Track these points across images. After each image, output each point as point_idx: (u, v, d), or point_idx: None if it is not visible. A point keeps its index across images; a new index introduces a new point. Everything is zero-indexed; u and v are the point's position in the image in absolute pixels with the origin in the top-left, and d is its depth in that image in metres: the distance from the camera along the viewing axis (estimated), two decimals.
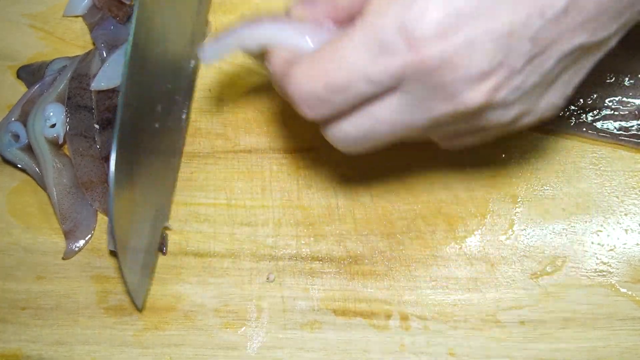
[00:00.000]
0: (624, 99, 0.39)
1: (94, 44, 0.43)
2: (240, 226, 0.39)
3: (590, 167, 0.39)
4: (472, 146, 0.31)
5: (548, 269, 0.37)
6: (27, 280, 0.38)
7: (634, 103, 0.39)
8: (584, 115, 0.39)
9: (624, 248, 0.38)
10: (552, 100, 0.28)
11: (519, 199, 0.39)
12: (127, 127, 0.31)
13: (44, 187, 0.39)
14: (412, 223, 0.38)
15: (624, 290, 0.37)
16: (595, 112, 0.39)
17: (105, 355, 0.36)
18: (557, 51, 0.25)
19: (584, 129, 0.39)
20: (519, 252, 0.38)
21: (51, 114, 0.40)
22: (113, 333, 0.36)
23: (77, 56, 0.43)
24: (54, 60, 0.42)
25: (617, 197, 0.38)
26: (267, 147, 0.40)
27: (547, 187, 0.39)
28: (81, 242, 0.39)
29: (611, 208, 0.38)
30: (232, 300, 0.37)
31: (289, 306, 0.37)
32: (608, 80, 0.39)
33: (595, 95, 0.39)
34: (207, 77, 0.43)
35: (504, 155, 0.40)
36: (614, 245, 0.38)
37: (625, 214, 0.38)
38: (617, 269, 0.37)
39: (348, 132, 0.28)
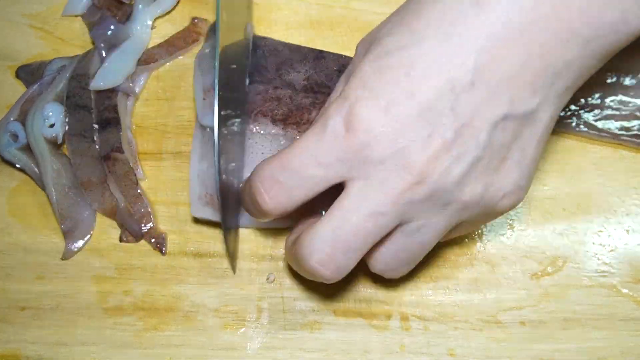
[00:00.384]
0: (625, 98, 0.38)
1: (93, 43, 0.43)
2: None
3: (592, 167, 0.39)
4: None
5: (549, 269, 0.37)
6: (27, 280, 0.38)
7: (635, 103, 0.38)
8: (585, 115, 0.39)
9: (625, 248, 0.38)
10: (512, 178, 0.29)
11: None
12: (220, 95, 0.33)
13: (43, 187, 0.39)
14: None
15: (625, 290, 0.37)
16: (596, 111, 0.39)
17: (105, 355, 0.36)
18: (484, 122, 0.27)
19: (585, 129, 0.39)
20: (520, 252, 0.38)
21: (50, 113, 0.39)
22: (113, 334, 0.36)
23: (76, 56, 0.42)
24: (53, 60, 0.42)
25: (619, 198, 0.38)
26: None
27: (548, 188, 0.39)
28: (80, 242, 0.38)
29: (612, 208, 0.38)
30: (232, 300, 0.37)
31: (289, 306, 0.37)
32: (609, 80, 0.39)
33: (596, 95, 0.39)
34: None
35: None
36: (615, 246, 0.38)
37: (627, 214, 0.38)
38: (618, 269, 0.37)
39: (321, 236, 0.29)
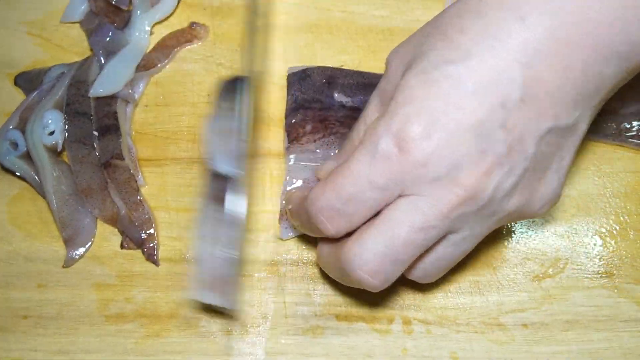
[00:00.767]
0: (625, 99, 0.39)
1: (91, 50, 0.43)
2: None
3: (592, 168, 0.39)
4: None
5: (550, 271, 0.37)
6: (28, 288, 0.38)
7: (635, 104, 0.38)
8: None
9: (626, 249, 0.38)
10: (552, 186, 0.30)
11: None
12: None
13: (43, 195, 0.39)
14: None
15: (626, 291, 0.37)
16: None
17: None
18: (532, 136, 0.28)
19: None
20: (521, 254, 0.38)
21: (50, 121, 0.39)
22: (115, 341, 0.36)
23: (75, 63, 0.42)
24: (51, 67, 0.42)
25: (619, 198, 0.38)
26: (267, 152, 0.40)
27: None
28: (81, 250, 0.38)
29: (612, 209, 0.38)
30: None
31: (291, 312, 0.37)
32: None
33: None
34: (205, 82, 0.43)
35: None
36: (616, 247, 0.38)
37: (627, 215, 0.38)
38: (620, 270, 0.37)
39: (371, 248, 0.29)
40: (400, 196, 0.28)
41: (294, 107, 0.39)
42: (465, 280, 0.37)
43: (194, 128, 0.41)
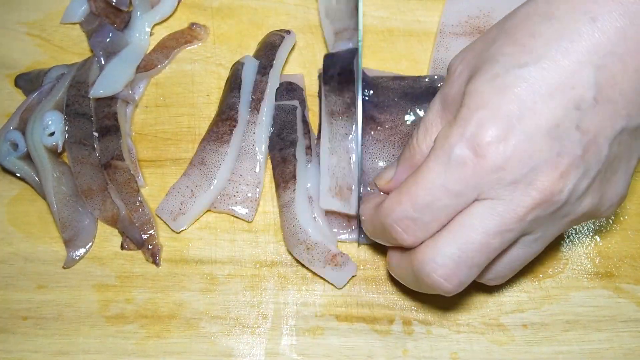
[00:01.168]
0: None
1: (91, 51, 0.43)
2: (241, 232, 0.39)
3: None
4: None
5: (550, 271, 0.37)
6: (28, 289, 0.38)
7: None
8: None
9: (626, 250, 0.38)
10: (620, 187, 0.30)
11: None
12: None
13: (43, 196, 0.39)
14: None
15: (626, 292, 0.37)
16: None
17: None
18: (605, 136, 0.28)
19: None
20: None
21: (50, 122, 0.39)
22: (115, 342, 0.36)
23: (75, 63, 0.42)
24: (51, 68, 0.42)
25: None
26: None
27: None
28: (82, 251, 0.38)
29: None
30: (234, 307, 0.37)
31: (291, 312, 0.37)
32: None
33: None
34: (205, 82, 0.43)
35: None
36: (616, 247, 0.38)
37: (627, 216, 0.38)
38: (619, 270, 0.37)
39: (446, 253, 0.29)
40: (475, 200, 0.28)
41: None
42: None
43: (194, 129, 0.41)
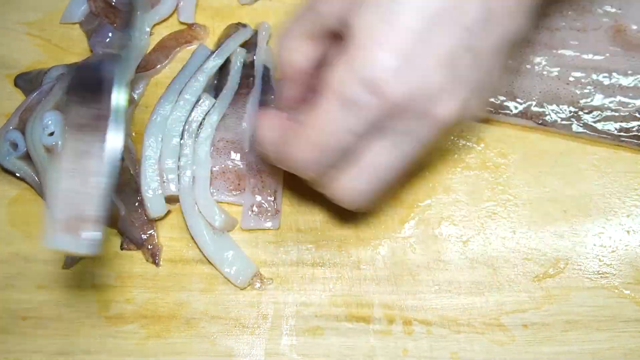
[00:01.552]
0: (624, 99, 0.39)
1: (91, 51, 0.43)
2: (241, 232, 0.39)
3: (592, 168, 0.39)
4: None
5: (550, 271, 0.37)
6: (28, 289, 0.38)
7: (634, 104, 0.38)
8: (585, 116, 0.39)
9: (626, 249, 0.38)
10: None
11: (521, 202, 0.39)
12: None
13: (43, 196, 0.39)
14: (414, 227, 0.38)
15: (627, 292, 0.37)
16: (595, 113, 0.39)
17: None
18: (492, 53, 0.28)
19: (585, 130, 0.39)
20: (521, 254, 0.38)
21: (49, 122, 0.39)
22: (115, 342, 0.36)
23: (74, 63, 0.42)
24: (51, 67, 0.42)
25: (619, 199, 0.38)
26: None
27: (548, 189, 0.39)
28: None
29: (613, 209, 0.38)
30: (234, 307, 0.37)
31: (292, 312, 0.37)
32: (608, 82, 0.39)
33: (595, 97, 0.39)
34: None
35: (504, 160, 0.39)
36: (616, 247, 0.38)
37: (627, 215, 0.38)
38: (620, 270, 0.37)
39: (352, 186, 0.31)
40: (376, 134, 0.29)
41: None
42: (465, 281, 0.37)
43: None
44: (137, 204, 0.38)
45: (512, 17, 0.28)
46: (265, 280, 0.37)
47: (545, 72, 0.39)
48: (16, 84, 0.43)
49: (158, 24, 0.44)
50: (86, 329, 0.37)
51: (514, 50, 0.31)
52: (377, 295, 0.37)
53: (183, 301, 0.37)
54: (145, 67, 0.42)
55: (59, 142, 0.39)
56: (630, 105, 0.38)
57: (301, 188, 0.39)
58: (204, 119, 0.39)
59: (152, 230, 0.38)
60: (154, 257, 0.38)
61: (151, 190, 0.38)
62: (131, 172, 0.39)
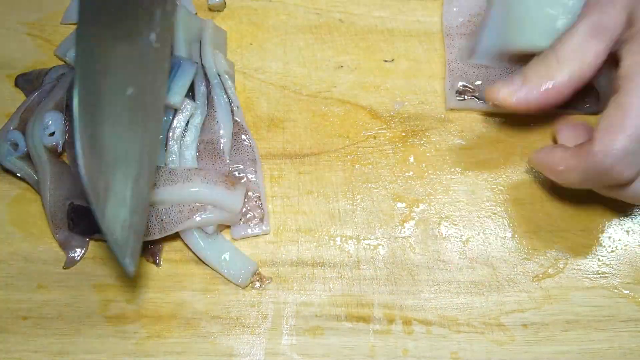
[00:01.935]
0: None
1: None
2: None
3: None
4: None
5: (550, 271, 0.37)
6: (29, 289, 0.38)
7: None
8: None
9: (626, 249, 0.38)
10: None
11: (521, 202, 0.39)
12: None
13: (43, 196, 0.39)
14: (414, 227, 0.38)
15: (626, 291, 0.37)
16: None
17: None
18: None
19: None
20: (521, 254, 0.38)
21: (50, 122, 0.39)
22: (115, 342, 0.36)
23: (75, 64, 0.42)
24: (52, 68, 0.42)
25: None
26: (267, 153, 0.40)
27: (549, 190, 0.39)
28: (80, 251, 0.38)
29: (612, 209, 0.38)
30: (234, 307, 0.37)
31: (292, 312, 0.37)
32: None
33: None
34: None
35: (503, 160, 0.40)
36: (616, 247, 0.38)
37: (627, 215, 0.38)
38: (619, 270, 0.37)
39: None
40: None
41: None
42: (465, 281, 0.37)
43: None
44: None
45: None
46: (265, 280, 0.37)
47: None
48: (17, 84, 0.43)
49: None
50: (87, 329, 0.37)
51: None
52: (377, 295, 0.37)
53: (183, 301, 0.37)
54: None
55: (59, 142, 0.39)
56: None
57: (299, 187, 0.39)
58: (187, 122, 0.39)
59: None
60: (154, 257, 0.38)
61: None
62: None
